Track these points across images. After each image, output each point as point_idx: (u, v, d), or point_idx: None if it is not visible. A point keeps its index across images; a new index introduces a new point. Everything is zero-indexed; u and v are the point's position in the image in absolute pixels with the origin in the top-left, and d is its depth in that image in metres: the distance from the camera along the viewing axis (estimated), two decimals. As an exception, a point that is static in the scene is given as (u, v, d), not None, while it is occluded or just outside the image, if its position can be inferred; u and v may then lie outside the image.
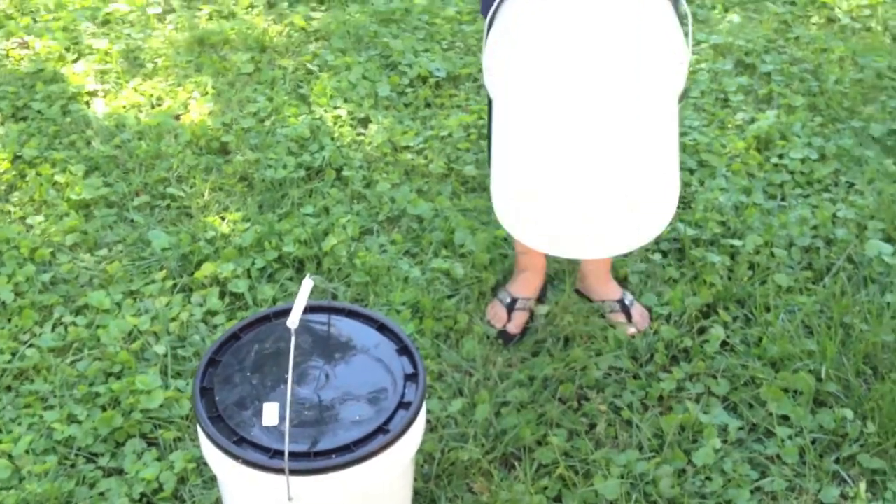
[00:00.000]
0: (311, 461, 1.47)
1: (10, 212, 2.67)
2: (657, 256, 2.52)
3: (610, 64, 1.56)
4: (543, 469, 1.96)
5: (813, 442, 2.02)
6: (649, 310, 2.36)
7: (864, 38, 3.71)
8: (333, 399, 1.57)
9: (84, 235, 2.59)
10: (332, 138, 3.00)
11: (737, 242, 2.55)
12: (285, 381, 1.56)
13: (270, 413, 1.53)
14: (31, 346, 2.24)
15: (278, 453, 1.46)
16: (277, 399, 1.55)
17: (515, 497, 1.87)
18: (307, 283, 1.54)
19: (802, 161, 2.92)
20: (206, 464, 1.58)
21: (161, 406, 2.07)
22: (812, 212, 2.69)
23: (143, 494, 1.90)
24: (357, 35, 3.63)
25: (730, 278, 2.45)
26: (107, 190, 2.75)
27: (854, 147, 2.99)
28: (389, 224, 2.67)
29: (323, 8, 3.87)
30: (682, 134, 3.01)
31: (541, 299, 2.38)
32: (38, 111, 3.11)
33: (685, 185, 2.78)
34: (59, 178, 2.78)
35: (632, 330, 2.29)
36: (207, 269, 2.43)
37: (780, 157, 2.95)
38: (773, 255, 2.53)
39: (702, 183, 2.82)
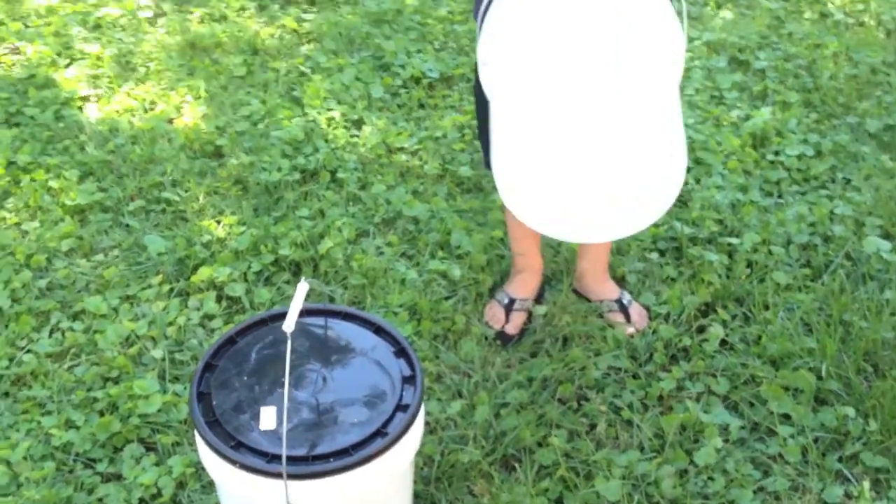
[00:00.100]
0: (309, 465, 1.46)
1: (4, 218, 2.65)
2: (654, 255, 2.51)
3: (610, 41, 1.56)
4: (544, 470, 1.95)
5: (815, 440, 2.01)
6: (647, 309, 2.35)
7: (858, 34, 3.71)
8: (331, 402, 1.56)
9: (80, 241, 2.57)
10: (326, 140, 2.99)
11: (734, 240, 2.54)
12: (282, 385, 1.55)
13: (268, 417, 1.52)
14: (28, 351, 2.23)
15: (276, 457, 1.45)
16: (275, 403, 1.54)
17: (516, 499, 1.86)
18: (302, 286, 1.53)
19: (799, 158, 2.92)
20: (204, 468, 1.57)
21: (159, 411, 2.05)
22: (809, 209, 2.68)
23: (141, 500, 1.89)
24: (349, 36, 3.62)
25: (728, 276, 2.44)
26: (101, 195, 2.73)
27: (850, 143, 2.99)
28: (385, 226, 2.66)
29: (314, 10, 3.86)
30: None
31: (539, 300, 2.37)
32: (31, 117, 3.09)
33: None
34: (54, 184, 2.77)
35: (630, 329, 2.29)
36: (204, 273, 2.42)
37: (776, 153, 2.95)
38: (770, 252, 2.52)
39: (698, 181, 2.81)
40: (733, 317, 2.33)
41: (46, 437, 2.01)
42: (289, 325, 1.46)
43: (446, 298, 2.38)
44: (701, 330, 2.30)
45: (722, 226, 2.62)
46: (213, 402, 1.56)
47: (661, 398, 2.12)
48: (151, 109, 3.18)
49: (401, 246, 2.57)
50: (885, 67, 3.42)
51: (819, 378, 2.13)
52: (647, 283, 2.43)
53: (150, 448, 2.01)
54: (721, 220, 2.64)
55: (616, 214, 1.61)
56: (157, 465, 1.96)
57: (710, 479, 1.93)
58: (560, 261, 2.47)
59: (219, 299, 2.39)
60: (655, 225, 2.54)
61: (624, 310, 2.32)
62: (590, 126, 1.55)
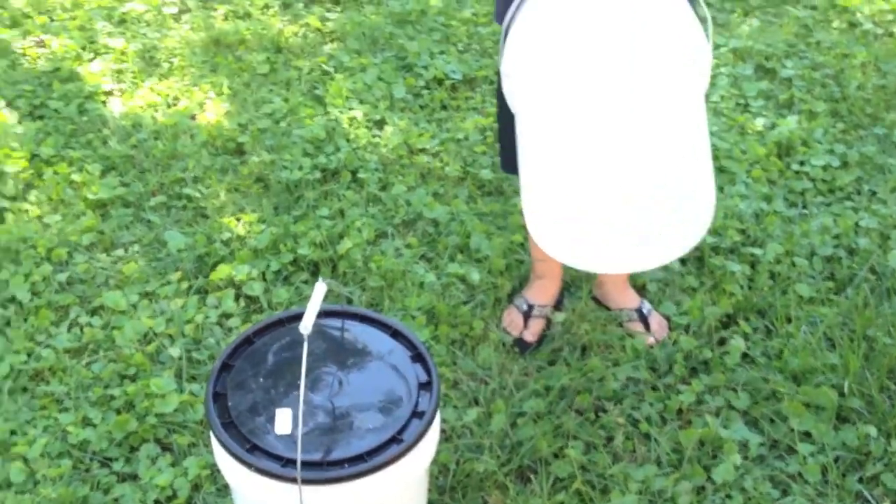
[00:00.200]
0: (324, 471, 1.45)
1: (27, 210, 2.66)
2: (676, 264, 2.49)
3: (638, 66, 1.55)
4: (560, 483, 1.93)
5: (836, 460, 1.99)
6: (668, 319, 2.33)
7: (887, 44, 3.67)
8: (347, 406, 1.55)
9: (101, 235, 2.58)
10: (348, 140, 2.99)
11: (757, 251, 2.51)
12: (298, 387, 1.54)
13: (283, 420, 1.51)
14: (46, 346, 2.23)
15: (291, 462, 1.44)
16: (290, 405, 1.53)
17: (531, 511, 1.85)
18: (320, 287, 1.51)
19: (824, 168, 2.89)
20: (219, 470, 1.56)
21: (175, 410, 2.05)
22: (834, 220, 2.65)
23: (157, 501, 1.89)
24: (372, 36, 3.61)
25: (750, 288, 2.42)
26: (123, 190, 2.74)
27: (877, 154, 2.96)
28: (405, 227, 2.65)
29: (338, 9, 3.85)
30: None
31: (557, 306, 2.35)
32: (55, 110, 3.10)
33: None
34: (76, 178, 2.77)
35: (650, 340, 2.27)
36: (223, 271, 2.42)
37: (802, 163, 2.91)
38: (794, 264, 2.49)
39: (721, 189, 2.78)
40: (755, 329, 2.31)
41: (63, 435, 2.01)
42: (305, 326, 1.45)
43: (464, 303, 2.37)
44: (722, 342, 2.27)
45: (745, 236, 2.59)
46: (229, 403, 1.55)
47: (680, 411, 2.10)
48: (174, 105, 3.18)
49: (420, 248, 2.56)
50: (914, 79, 3.38)
51: (841, 395, 2.10)
52: (667, 293, 2.41)
53: (165, 448, 2.01)
54: (744, 230, 2.61)
55: (654, 240, 1.59)
56: (172, 465, 1.96)
57: (728, 496, 1.91)
58: (580, 268, 2.45)
59: (237, 298, 2.38)
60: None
61: (644, 319, 2.30)
62: (607, 128, 1.54)
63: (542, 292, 2.32)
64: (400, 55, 3.48)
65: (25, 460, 1.95)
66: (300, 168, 2.84)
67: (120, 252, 2.53)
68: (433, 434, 1.58)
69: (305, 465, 1.43)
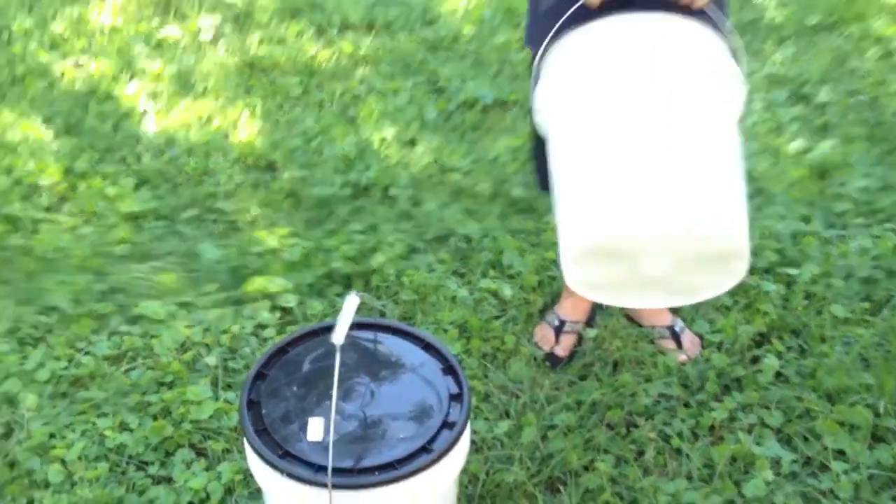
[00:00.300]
0: (355, 477, 1.45)
1: (61, 222, 2.70)
2: (709, 284, 2.47)
3: (675, 103, 1.55)
4: (589, 495, 1.92)
5: (869, 478, 1.95)
6: (700, 337, 2.31)
7: (922, 73, 3.65)
8: (378, 416, 1.55)
9: (134, 247, 2.61)
10: (379, 158, 3.01)
11: (793, 271, 2.49)
12: (331, 397, 1.54)
13: (315, 428, 1.52)
14: (87, 353, 2.26)
15: (322, 468, 1.44)
16: (323, 414, 1.54)
17: (561, 522, 1.84)
18: (353, 300, 1.53)
19: (863, 190, 2.86)
20: (252, 476, 1.57)
21: (211, 417, 2.07)
22: (873, 242, 2.62)
23: (190, 503, 1.90)
24: (405, 61, 3.65)
25: (785, 307, 2.40)
26: (156, 203, 2.77)
27: (916, 178, 2.93)
28: (437, 243, 2.66)
29: (371, 35, 3.90)
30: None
31: (589, 323, 2.34)
32: (91, 128, 3.15)
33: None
34: (110, 191, 2.81)
35: (682, 357, 2.25)
36: (257, 283, 2.44)
37: (841, 185, 2.89)
38: (830, 285, 2.47)
39: (759, 209, 2.76)
40: (788, 348, 2.28)
41: (101, 438, 2.04)
42: (338, 337, 1.46)
43: (496, 318, 2.37)
44: (755, 360, 2.25)
45: (781, 256, 2.57)
46: (263, 411, 1.56)
47: (712, 428, 2.07)
48: (208, 124, 3.22)
49: (452, 264, 2.56)
50: (949, 106, 3.36)
51: (876, 415, 2.07)
52: (700, 311, 2.39)
53: (200, 453, 2.02)
54: (780, 250, 2.59)
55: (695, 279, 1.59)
56: (206, 470, 1.97)
57: (760, 511, 1.89)
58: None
59: (272, 309, 2.40)
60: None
61: (676, 337, 2.28)
62: (641, 166, 1.53)
63: (574, 309, 2.32)
64: (431, 79, 3.51)
65: (63, 462, 1.98)
66: (331, 184, 2.86)
67: (157, 263, 2.55)
68: (463, 444, 1.57)
69: (336, 471, 1.44)
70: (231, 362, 2.23)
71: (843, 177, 2.92)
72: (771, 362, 2.21)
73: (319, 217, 2.74)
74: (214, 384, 2.17)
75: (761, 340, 2.31)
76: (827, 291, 2.44)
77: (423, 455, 1.49)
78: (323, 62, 3.64)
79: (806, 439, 2.04)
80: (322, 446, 1.48)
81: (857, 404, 2.08)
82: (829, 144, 3.08)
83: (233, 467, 1.94)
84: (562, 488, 1.94)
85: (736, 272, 1.57)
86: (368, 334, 1.72)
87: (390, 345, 1.71)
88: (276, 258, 2.54)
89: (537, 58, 1.70)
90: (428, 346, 1.69)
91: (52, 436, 2.04)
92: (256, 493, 1.90)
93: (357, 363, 1.65)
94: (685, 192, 1.50)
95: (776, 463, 1.99)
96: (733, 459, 1.98)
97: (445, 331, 2.30)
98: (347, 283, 2.48)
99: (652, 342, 2.29)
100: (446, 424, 1.54)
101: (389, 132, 3.15)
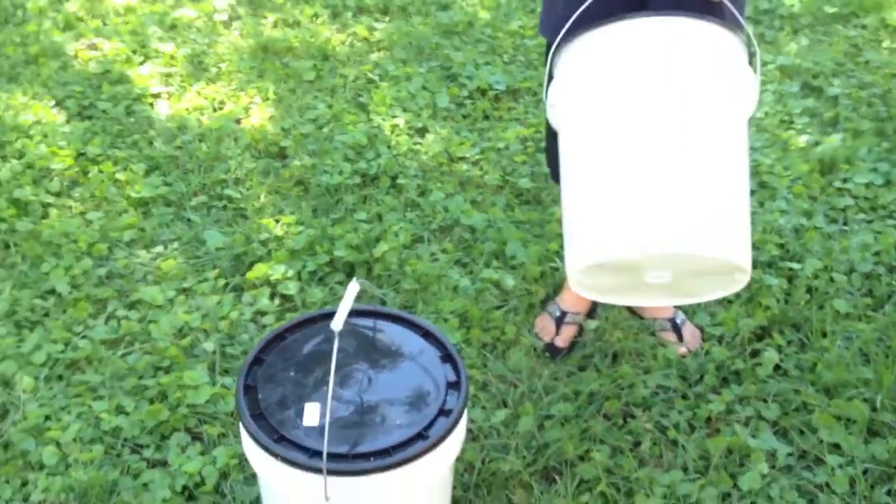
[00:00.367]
0: (350, 463, 1.46)
1: (71, 207, 2.72)
2: (712, 276, 2.47)
3: (688, 102, 1.55)
4: (584, 485, 1.93)
5: (864, 472, 1.96)
6: (701, 330, 2.32)
7: (937, 65, 3.63)
8: (375, 402, 1.56)
9: (141, 232, 2.63)
10: (389, 146, 3.02)
11: (795, 265, 2.49)
12: (328, 382, 1.56)
13: (312, 413, 1.53)
14: (84, 337, 2.28)
15: (317, 453, 1.45)
16: (319, 399, 1.55)
17: (555, 511, 1.85)
18: (353, 286, 1.54)
19: (867, 186, 2.86)
20: (247, 461, 1.58)
21: (207, 402, 2.08)
22: (875, 238, 2.62)
23: (185, 487, 1.91)
24: (419, 46, 3.65)
25: (786, 301, 2.40)
26: (166, 189, 2.79)
27: (921, 173, 2.92)
28: (441, 233, 2.67)
29: (386, 19, 3.90)
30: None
31: (590, 314, 2.35)
32: (104, 111, 3.17)
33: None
34: (121, 176, 2.83)
35: (682, 349, 2.25)
36: (259, 270, 2.45)
37: (844, 181, 2.89)
38: (832, 279, 2.47)
39: (761, 204, 2.77)
40: (789, 342, 2.29)
41: (96, 421, 2.05)
42: (337, 323, 1.47)
43: (498, 308, 2.38)
44: (755, 354, 2.25)
45: (783, 250, 2.57)
46: (259, 396, 1.57)
47: (709, 420, 2.08)
48: (220, 109, 3.23)
49: (456, 253, 2.57)
50: (963, 99, 3.34)
51: (873, 409, 2.07)
52: (702, 304, 2.39)
53: (196, 437, 2.04)
54: (783, 245, 2.59)
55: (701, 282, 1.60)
56: (202, 454, 1.98)
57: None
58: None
59: (272, 297, 2.41)
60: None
61: (677, 329, 2.29)
62: (654, 165, 1.53)
63: (575, 300, 2.32)
64: (445, 65, 3.51)
65: (58, 444, 1.99)
66: (340, 172, 2.87)
67: (159, 249, 2.58)
68: (459, 432, 1.58)
69: (331, 456, 1.45)
70: (229, 348, 2.25)
71: (848, 172, 2.91)
72: (771, 356, 2.21)
73: (327, 205, 2.76)
74: (212, 369, 2.19)
75: (762, 334, 2.32)
76: (829, 286, 2.44)
77: (418, 442, 1.49)
78: (337, 46, 3.65)
79: (802, 433, 2.05)
80: (318, 431, 1.49)
81: (854, 399, 2.09)
82: (838, 138, 3.07)
83: (228, 451, 1.96)
84: (557, 478, 1.95)
85: (738, 282, 1.60)
86: (368, 321, 1.73)
87: (389, 332, 1.71)
88: (280, 246, 2.56)
89: (552, 52, 1.70)
90: (427, 334, 1.70)
91: (47, 418, 2.06)
92: (251, 477, 1.92)
93: (355, 350, 1.66)
94: (693, 214, 1.51)
95: (772, 456, 2.00)
96: (729, 452, 1.99)
97: (446, 320, 2.31)
98: (350, 272, 2.50)
99: (653, 334, 2.29)
100: (443, 412, 1.55)
101: (401, 119, 3.16)
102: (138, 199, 2.75)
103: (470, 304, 2.36)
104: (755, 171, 2.90)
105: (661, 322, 2.31)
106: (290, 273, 2.46)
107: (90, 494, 1.88)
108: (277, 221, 2.67)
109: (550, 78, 1.73)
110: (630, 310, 2.37)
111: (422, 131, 3.14)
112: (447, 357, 1.65)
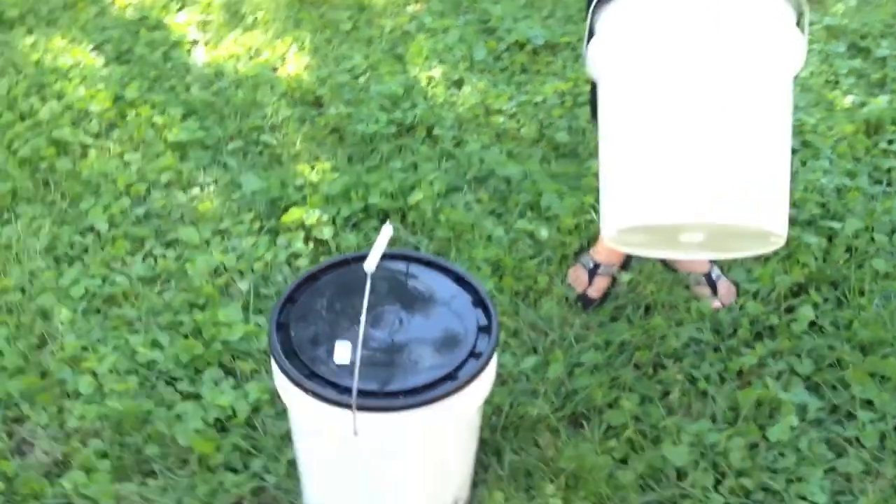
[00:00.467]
0: (379, 400, 1.47)
1: (109, 148, 2.75)
2: (748, 233, 2.45)
3: (729, 62, 1.52)
4: (612, 431, 1.93)
5: (895, 428, 1.94)
6: (737, 285, 2.30)
7: None
8: (406, 343, 1.57)
9: (178, 175, 2.65)
10: (425, 97, 3.00)
11: (836, 225, 2.46)
12: (359, 323, 1.56)
13: (342, 351, 1.54)
14: (121, 273, 2.31)
15: (347, 390, 1.46)
16: (351, 339, 1.56)
17: (581, 454, 1.85)
18: (387, 229, 1.54)
19: (912, 148, 2.80)
20: (279, 396, 1.60)
21: (241, 339, 2.10)
22: (918, 199, 2.58)
23: (217, 419, 1.94)
24: (457, -1, 3.62)
25: (825, 260, 2.36)
26: (202, 133, 2.80)
27: (968, 136, 2.86)
28: (477, 183, 2.66)
29: (425, -29, 3.87)
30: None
31: (624, 266, 2.33)
32: (141, 56, 3.19)
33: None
34: (158, 120, 2.85)
35: (716, 304, 2.24)
36: (294, 214, 2.46)
37: (890, 142, 2.83)
38: (873, 239, 2.43)
39: (804, 163, 2.72)
40: (825, 300, 2.26)
41: (132, 354, 2.08)
42: (370, 265, 1.47)
43: (531, 258, 2.37)
44: (790, 310, 2.23)
45: (824, 209, 2.53)
46: (292, 334, 1.58)
47: (740, 373, 2.07)
48: (256, 57, 3.23)
49: (490, 203, 2.56)
50: None
51: (909, 368, 2.05)
52: (738, 260, 2.37)
53: (229, 373, 2.06)
54: (824, 204, 2.55)
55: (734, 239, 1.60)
56: (234, 388, 2.01)
57: (781, 454, 1.88)
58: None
59: (307, 240, 2.43)
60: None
61: (712, 284, 2.27)
62: (695, 126, 1.51)
63: (609, 253, 2.31)
64: (483, 18, 3.48)
65: (94, 374, 2.03)
66: (376, 122, 2.87)
67: (196, 191, 2.59)
68: (489, 375, 1.59)
69: (361, 393, 1.46)
70: (263, 289, 2.27)
71: (893, 133, 2.85)
72: (806, 312, 2.19)
73: (362, 153, 2.76)
74: (246, 308, 2.20)
75: (798, 291, 2.29)
76: (869, 246, 2.40)
77: (447, 382, 1.50)
78: (374, -3, 3.63)
79: (834, 388, 2.03)
80: (348, 369, 1.50)
81: (889, 356, 2.06)
82: (885, 100, 3.01)
83: (260, 387, 1.98)
84: (585, 424, 1.95)
85: (774, 244, 1.59)
86: (401, 265, 1.73)
87: (422, 276, 1.71)
88: (315, 191, 2.56)
89: (593, 7, 1.68)
90: (459, 279, 1.70)
91: (84, 349, 2.09)
92: (282, 412, 1.94)
93: (388, 292, 1.66)
94: (732, 176, 1.49)
95: (802, 409, 1.98)
96: (759, 404, 1.98)
97: (479, 268, 2.31)
98: (384, 219, 2.50)
99: (687, 288, 2.28)
100: (473, 354, 1.55)
101: (437, 71, 3.14)
102: (175, 142, 2.77)
103: (503, 253, 2.35)
104: (798, 130, 2.86)
105: (696, 276, 2.29)
106: (325, 218, 2.47)
107: (125, 423, 1.91)
108: (313, 168, 2.67)
109: (591, 34, 1.70)
110: (664, 263, 2.35)
111: (458, 83, 3.12)
112: (479, 302, 1.65)
